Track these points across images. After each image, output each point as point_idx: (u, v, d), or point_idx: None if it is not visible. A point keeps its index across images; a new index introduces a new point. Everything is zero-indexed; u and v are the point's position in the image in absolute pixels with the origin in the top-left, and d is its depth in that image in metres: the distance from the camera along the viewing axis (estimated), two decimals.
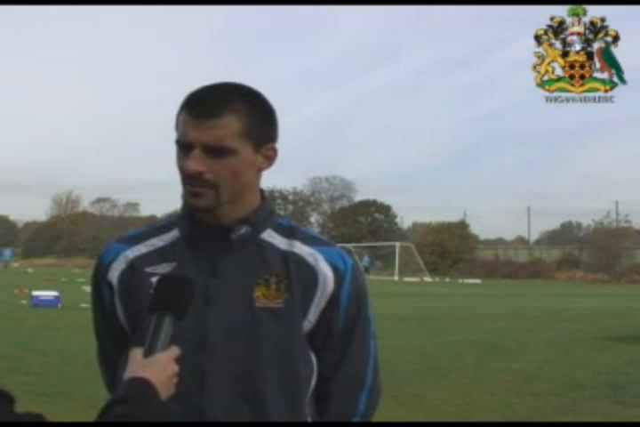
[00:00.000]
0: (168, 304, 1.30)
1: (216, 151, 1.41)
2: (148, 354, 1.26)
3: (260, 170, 1.51)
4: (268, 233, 1.53)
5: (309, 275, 1.50)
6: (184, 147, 1.43)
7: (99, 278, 1.58)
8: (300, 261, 1.51)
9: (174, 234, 1.55)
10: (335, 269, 1.51)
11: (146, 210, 71.47)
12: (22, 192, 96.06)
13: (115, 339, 1.57)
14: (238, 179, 1.45)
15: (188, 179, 1.43)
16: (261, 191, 1.57)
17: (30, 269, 43.77)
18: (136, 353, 1.27)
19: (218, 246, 1.49)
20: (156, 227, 1.60)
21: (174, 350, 1.28)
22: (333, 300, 1.50)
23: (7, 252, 47.79)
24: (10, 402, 1.12)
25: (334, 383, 1.54)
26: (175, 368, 1.27)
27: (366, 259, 45.44)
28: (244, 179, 1.47)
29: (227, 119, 1.42)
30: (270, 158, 1.51)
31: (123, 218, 65.25)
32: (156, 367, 1.24)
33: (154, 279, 1.48)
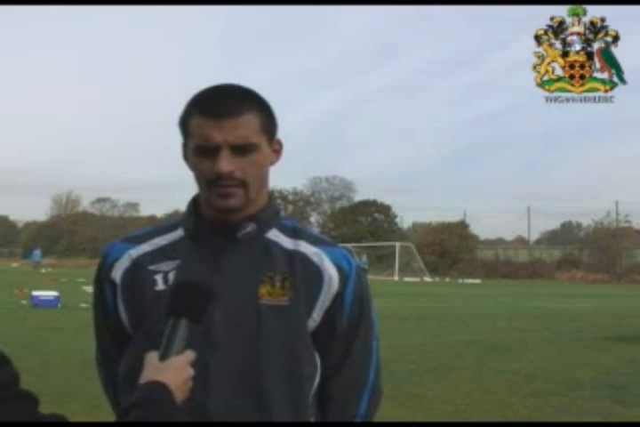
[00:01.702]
0: (184, 309, 1.31)
1: (242, 149, 1.43)
2: (163, 358, 1.27)
3: (271, 164, 1.53)
4: (274, 233, 1.54)
5: (314, 274, 1.50)
6: (208, 150, 1.43)
7: (102, 277, 1.58)
8: (305, 260, 1.51)
9: (178, 233, 1.56)
10: (340, 268, 1.52)
11: (146, 210, 71.66)
12: (22, 192, 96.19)
13: (115, 338, 1.57)
14: (261, 174, 1.49)
15: (218, 180, 1.43)
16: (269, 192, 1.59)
17: (43, 270, 43.40)
18: (152, 357, 1.28)
19: (223, 244, 1.49)
20: (161, 227, 1.61)
21: (189, 354, 1.29)
22: (338, 299, 1.51)
23: (37, 252, 47.46)
24: (35, 403, 1.13)
25: (336, 384, 1.54)
26: (191, 372, 1.28)
27: (364, 259, 45.37)
28: (264, 174, 1.50)
29: (248, 116, 1.44)
30: (278, 152, 1.55)
31: (123, 218, 65.26)
32: (172, 371, 1.25)
33: (157, 277, 1.50)
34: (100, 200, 68.96)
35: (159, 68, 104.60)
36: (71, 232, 61.90)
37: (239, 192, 1.45)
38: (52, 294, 16.94)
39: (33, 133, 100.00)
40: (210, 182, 1.45)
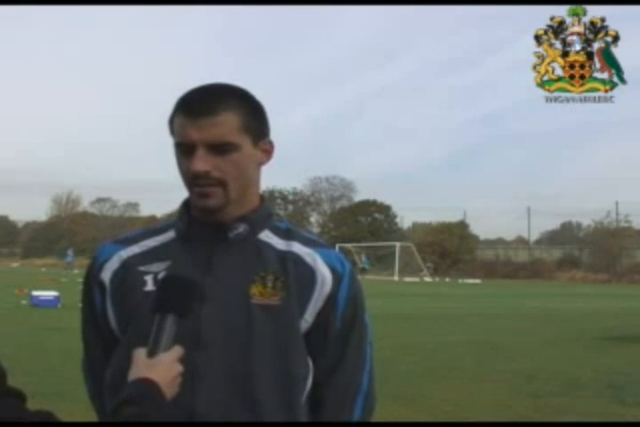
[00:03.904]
0: (171, 304, 1.30)
1: (219, 148, 1.42)
2: (151, 354, 1.26)
3: (260, 164, 1.52)
4: (266, 234, 1.53)
5: (307, 274, 1.49)
6: (186, 148, 1.43)
7: (91, 279, 1.56)
8: (297, 260, 1.50)
9: (169, 235, 1.55)
10: (333, 270, 1.50)
11: (146, 210, 71.58)
12: (22, 192, 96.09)
13: (103, 341, 1.54)
14: (243, 174, 1.46)
15: (196, 180, 1.42)
16: (261, 194, 1.58)
17: (76, 271, 42.89)
18: (140, 354, 1.27)
19: (214, 244, 1.48)
20: (151, 229, 1.60)
21: (177, 350, 1.28)
22: (331, 300, 1.49)
23: (69, 252, 46.97)
24: (23, 400, 1.13)
25: (330, 388, 1.52)
26: (179, 368, 1.27)
27: (364, 259, 45.27)
28: (248, 174, 1.48)
29: (225, 115, 1.42)
30: (268, 152, 1.53)
31: (123, 218, 65.25)
32: (161, 368, 1.24)
33: (147, 278, 1.48)
34: (99, 200, 69.02)
35: (159, 68, 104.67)
36: (71, 232, 61.84)
37: (218, 192, 1.43)
38: (51, 294, 16.93)
39: (33, 133, 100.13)
40: (189, 182, 1.44)
